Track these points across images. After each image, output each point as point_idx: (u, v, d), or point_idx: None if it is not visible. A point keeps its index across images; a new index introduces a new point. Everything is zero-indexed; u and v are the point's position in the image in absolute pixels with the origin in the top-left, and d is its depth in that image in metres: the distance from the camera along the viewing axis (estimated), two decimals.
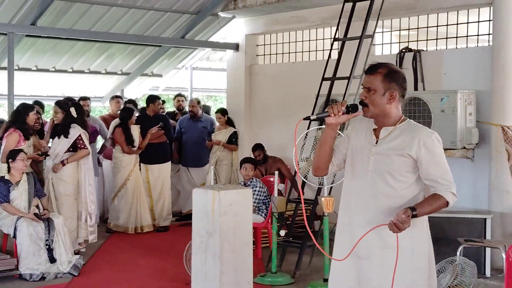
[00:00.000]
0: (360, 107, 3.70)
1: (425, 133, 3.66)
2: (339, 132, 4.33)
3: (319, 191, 7.50)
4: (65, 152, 8.15)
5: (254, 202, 8.23)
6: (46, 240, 7.33)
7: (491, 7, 8.12)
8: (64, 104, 8.40)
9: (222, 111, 10.92)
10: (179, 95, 12.11)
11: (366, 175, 3.73)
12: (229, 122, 10.91)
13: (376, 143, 3.74)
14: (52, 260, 7.34)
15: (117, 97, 11.31)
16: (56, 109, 8.30)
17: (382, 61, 3.80)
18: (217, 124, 10.85)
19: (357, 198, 3.77)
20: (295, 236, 8.18)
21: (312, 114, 3.72)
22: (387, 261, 3.65)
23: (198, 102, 11.15)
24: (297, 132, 3.88)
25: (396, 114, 3.74)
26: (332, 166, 3.89)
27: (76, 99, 10.09)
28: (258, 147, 10.11)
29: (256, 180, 8.51)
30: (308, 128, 7.57)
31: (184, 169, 10.99)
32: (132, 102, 11.03)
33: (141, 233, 9.75)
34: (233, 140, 10.68)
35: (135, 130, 9.82)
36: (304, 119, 3.76)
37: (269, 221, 8.07)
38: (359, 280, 3.76)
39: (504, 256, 6.48)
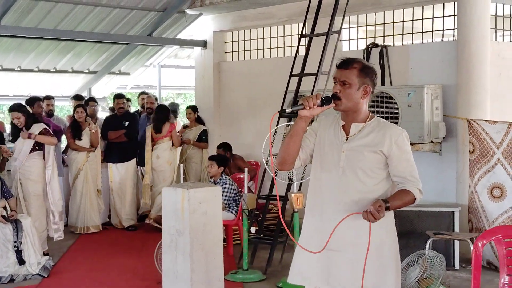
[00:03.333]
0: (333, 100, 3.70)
1: (396, 131, 3.72)
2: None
3: (288, 187, 7.53)
4: (30, 151, 8.05)
5: (224, 200, 8.23)
6: (15, 242, 7.24)
7: (455, 2, 8.21)
8: (20, 106, 8.30)
9: (192, 107, 10.91)
10: (143, 93, 11.96)
11: (337, 170, 3.74)
12: (199, 120, 10.88)
13: (347, 139, 3.75)
14: (21, 262, 7.25)
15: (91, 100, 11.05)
16: (17, 115, 8.12)
17: (352, 56, 3.81)
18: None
19: (328, 192, 3.77)
20: (268, 231, 8.20)
21: (288, 107, 3.69)
22: (358, 256, 3.66)
23: (156, 99, 11.08)
24: (265, 123, 3.87)
25: (365, 111, 3.79)
26: (299, 161, 3.86)
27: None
28: (221, 146, 10.10)
29: (226, 177, 8.51)
30: (278, 125, 7.59)
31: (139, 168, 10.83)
32: (93, 100, 10.89)
33: (88, 233, 9.65)
34: (203, 138, 10.64)
35: (86, 128, 9.70)
36: (280, 111, 3.80)
37: (240, 218, 8.08)
38: (328, 271, 3.75)
39: (472, 248, 6.57)
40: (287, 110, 3.70)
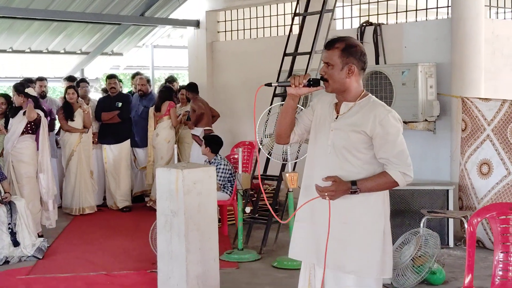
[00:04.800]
0: (321, 82, 3.73)
1: (381, 111, 3.69)
2: (299, 106, 4.43)
3: (283, 167, 7.52)
4: (22, 133, 8.02)
5: (219, 180, 8.22)
6: (9, 224, 7.23)
7: None
8: (20, 86, 8.33)
9: (188, 87, 10.82)
10: (137, 74, 11.83)
11: (326, 149, 3.76)
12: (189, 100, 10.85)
13: (336, 118, 3.77)
14: (16, 243, 7.25)
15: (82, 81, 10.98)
16: (14, 93, 8.18)
17: (342, 35, 3.81)
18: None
19: (318, 169, 3.80)
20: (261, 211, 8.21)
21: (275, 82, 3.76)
22: (345, 235, 3.70)
23: (148, 81, 11.04)
24: (259, 104, 3.91)
25: (357, 89, 3.76)
26: (294, 135, 3.94)
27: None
28: (185, 87, 10.32)
29: (220, 158, 8.49)
30: (271, 104, 7.56)
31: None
32: (84, 81, 10.82)
33: (84, 214, 9.67)
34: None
35: (79, 109, 9.67)
36: (266, 85, 3.81)
37: (235, 198, 8.08)
38: (317, 249, 3.81)
39: (466, 226, 6.59)
40: (272, 84, 3.78)
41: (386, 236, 3.76)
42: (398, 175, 3.62)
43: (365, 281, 3.73)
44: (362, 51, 3.75)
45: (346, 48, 3.69)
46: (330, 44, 3.73)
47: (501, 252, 4.36)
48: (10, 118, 8.21)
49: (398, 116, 3.74)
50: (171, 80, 11.78)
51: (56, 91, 18.72)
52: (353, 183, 3.60)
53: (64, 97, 9.80)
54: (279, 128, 3.92)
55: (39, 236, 7.78)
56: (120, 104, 10.03)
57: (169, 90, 10.30)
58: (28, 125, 8.07)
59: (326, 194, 3.65)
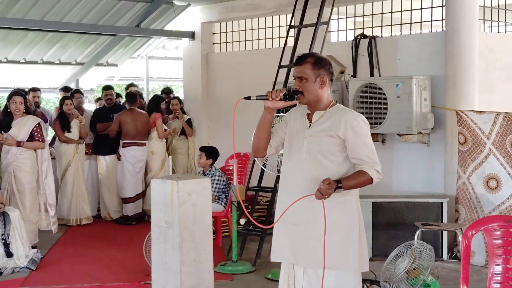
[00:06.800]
0: (295, 96, 4.02)
1: (351, 116, 4.03)
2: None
3: (277, 178, 7.52)
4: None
5: (214, 191, 8.22)
6: (2, 235, 7.20)
7: None
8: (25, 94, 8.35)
9: (179, 98, 11.07)
10: (131, 85, 11.85)
11: (301, 155, 4.07)
12: (182, 112, 10.95)
13: (309, 126, 4.09)
14: (9, 254, 7.22)
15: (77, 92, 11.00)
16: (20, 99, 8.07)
17: (306, 52, 4.22)
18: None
19: (292, 175, 4.11)
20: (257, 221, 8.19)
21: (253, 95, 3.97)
22: (319, 233, 3.96)
23: (141, 95, 11.09)
24: (255, 116, 4.05)
25: (327, 99, 4.11)
26: (271, 148, 4.23)
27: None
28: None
29: (215, 169, 8.49)
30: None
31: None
32: (79, 92, 10.86)
33: (81, 225, 9.67)
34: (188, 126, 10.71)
35: (75, 120, 9.68)
36: (244, 98, 4.05)
37: (229, 210, 8.07)
38: (297, 251, 4.10)
39: (460, 239, 6.59)
40: (251, 98, 4.03)
41: (361, 232, 4.09)
42: (374, 173, 3.97)
43: (346, 275, 4.05)
44: (330, 63, 4.11)
45: (316, 62, 4.05)
46: (300, 60, 4.08)
47: (496, 265, 4.36)
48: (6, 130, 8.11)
49: (366, 120, 4.08)
50: (167, 91, 11.83)
51: (50, 102, 18.70)
52: (338, 181, 3.88)
53: (60, 108, 9.77)
54: (257, 141, 4.20)
55: (33, 247, 7.73)
56: (115, 116, 10.04)
57: (156, 101, 10.26)
58: (29, 136, 7.97)
59: (325, 195, 3.85)
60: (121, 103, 11.00)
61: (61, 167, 9.72)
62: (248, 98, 4.04)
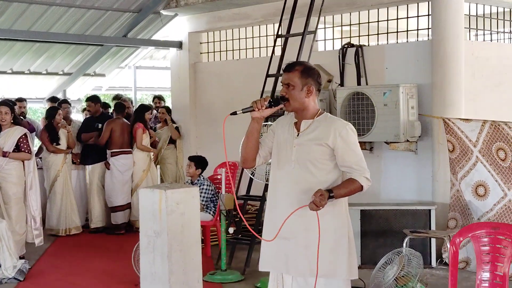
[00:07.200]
0: (281, 102, 4.03)
1: (340, 124, 4.04)
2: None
3: (266, 187, 7.52)
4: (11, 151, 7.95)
5: (202, 201, 8.21)
6: None
7: (430, 2, 8.26)
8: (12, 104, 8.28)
9: (167, 108, 11.19)
10: (116, 96, 11.85)
11: (290, 164, 4.07)
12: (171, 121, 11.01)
13: (298, 135, 4.08)
14: None
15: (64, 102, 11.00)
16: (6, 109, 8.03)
17: (299, 60, 4.10)
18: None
19: (281, 184, 4.10)
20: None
21: (239, 110, 4.05)
22: (310, 242, 3.99)
23: (132, 102, 11.12)
24: (244, 125, 4.12)
25: (314, 108, 4.11)
26: (259, 158, 4.23)
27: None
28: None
29: (203, 178, 8.49)
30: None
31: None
32: (66, 102, 10.88)
33: (70, 235, 9.66)
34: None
35: (63, 130, 9.70)
36: (231, 114, 4.02)
37: (218, 219, 8.06)
38: (287, 260, 4.08)
39: (448, 246, 6.62)
40: (237, 112, 4.01)
41: (350, 240, 4.10)
42: (364, 180, 3.99)
43: (335, 283, 4.06)
44: (318, 73, 4.12)
45: (305, 70, 4.06)
46: (290, 67, 4.09)
47: (484, 272, 4.39)
48: None
49: (354, 128, 4.10)
50: (159, 97, 11.96)
51: (37, 112, 18.64)
52: (330, 191, 3.89)
53: (48, 118, 9.71)
54: (246, 152, 4.18)
55: (21, 258, 7.69)
56: (100, 125, 10.05)
57: (140, 111, 10.22)
58: (15, 147, 7.94)
59: (320, 206, 3.85)
60: (110, 113, 11.00)
61: (50, 178, 9.70)
62: (234, 113, 4.01)
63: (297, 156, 4.05)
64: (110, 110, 11.10)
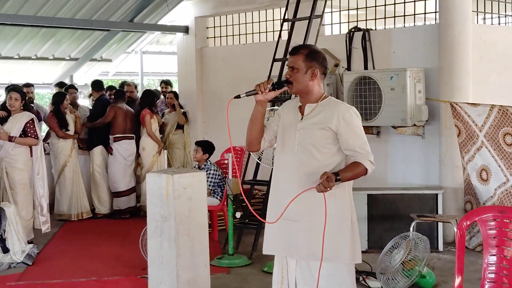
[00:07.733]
0: (284, 85, 4.04)
1: (343, 108, 4.04)
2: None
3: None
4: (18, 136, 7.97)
5: (209, 185, 8.23)
6: None
7: None
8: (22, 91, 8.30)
9: (175, 93, 11.19)
10: (124, 83, 11.82)
11: (294, 148, 4.08)
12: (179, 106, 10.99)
13: (302, 119, 4.10)
14: (5, 250, 7.23)
15: (71, 87, 11.04)
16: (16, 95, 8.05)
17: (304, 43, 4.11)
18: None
19: (285, 168, 4.12)
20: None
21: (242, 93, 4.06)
22: (314, 225, 4.00)
23: (136, 87, 11.10)
24: (249, 110, 4.11)
25: (318, 91, 4.11)
26: (264, 142, 4.26)
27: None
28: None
29: (210, 163, 8.50)
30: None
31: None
32: (73, 87, 10.91)
33: (82, 219, 9.74)
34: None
35: (70, 115, 9.74)
36: (235, 97, 4.03)
37: (225, 203, 8.08)
38: (289, 242, 4.10)
39: (455, 230, 6.62)
40: (241, 96, 4.03)
41: (353, 224, 4.10)
42: (368, 163, 3.99)
43: (338, 267, 4.05)
44: (324, 57, 4.12)
45: (310, 54, 4.05)
46: (295, 50, 4.09)
47: (491, 255, 4.38)
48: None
49: (358, 112, 4.09)
50: (166, 81, 11.94)
51: (44, 98, 18.66)
52: (336, 174, 3.89)
53: (55, 104, 9.72)
54: (250, 135, 4.21)
55: (29, 243, 7.74)
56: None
57: (147, 96, 10.24)
58: (22, 132, 7.96)
59: (328, 188, 3.85)
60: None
61: (59, 163, 9.72)
62: (238, 96, 4.02)
63: (300, 140, 4.05)
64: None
